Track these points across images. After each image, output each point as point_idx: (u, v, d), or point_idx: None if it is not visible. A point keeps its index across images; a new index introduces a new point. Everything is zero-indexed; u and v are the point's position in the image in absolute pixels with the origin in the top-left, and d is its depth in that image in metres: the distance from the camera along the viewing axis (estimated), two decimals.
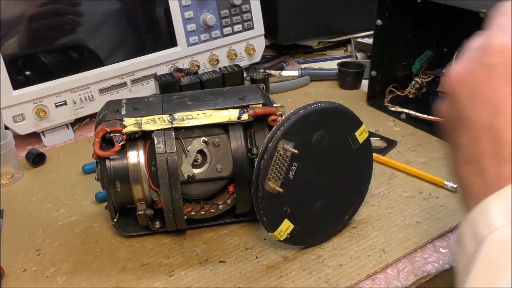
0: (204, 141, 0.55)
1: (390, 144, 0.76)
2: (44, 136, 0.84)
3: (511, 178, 0.30)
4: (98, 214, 0.65)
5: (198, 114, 0.55)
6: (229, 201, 0.58)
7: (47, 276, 0.56)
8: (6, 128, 0.80)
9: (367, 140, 0.58)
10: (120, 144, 0.54)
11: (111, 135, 0.54)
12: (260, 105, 0.57)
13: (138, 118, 0.55)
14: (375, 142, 0.76)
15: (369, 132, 0.59)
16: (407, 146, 0.76)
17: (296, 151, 0.51)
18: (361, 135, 0.57)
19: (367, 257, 0.55)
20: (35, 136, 0.85)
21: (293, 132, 0.51)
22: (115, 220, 0.58)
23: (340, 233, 0.59)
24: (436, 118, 0.78)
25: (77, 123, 0.89)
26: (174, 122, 0.55)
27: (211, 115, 0.55)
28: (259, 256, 0.56)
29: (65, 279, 0.55)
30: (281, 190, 0.51)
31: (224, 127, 0.57)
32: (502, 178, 0.31)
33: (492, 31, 0.32)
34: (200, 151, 0.56)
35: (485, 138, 0.31)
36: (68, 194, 0.70)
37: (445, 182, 0.65)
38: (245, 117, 0.56)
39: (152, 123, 0.55)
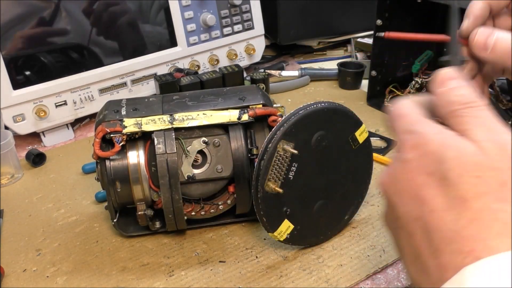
0: (204, 142, 0.55)
1: (390, 144, 0.76)
2: (44, 136, 0.84)
3: (453, 266, 0.28)
4: (98, 214, 0.65)
5: (198, 115, 0.55)
6: (229, 201, 0.58)
7: (47, 276, 0.56)
8: (6, 128, 0.80)
9: (367, 140, 0.58)
10: (120, 144, 0.54)
11: (111, 135, 0.54)
12: (260, 106, 0.57)
13: (138, 119, 0.55)
14: (375, 142, 0.76)
15: (369, 132, 0.59)
16: None
17: (296, 151, 0.51)
18: (361, 135, 0.57)
19: (367, 257, 0.55)
20: (35, 136, 0.85)
21: (293, 133, 0.51)
22: (115, 220, 0.58)
23: (340, 233, 0.59)
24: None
25: (77, 123, 0.89)
26: (174, 123, 0.55)
27: (211, 115, 0.55)
28: (259, 256, 0.56)
29: (65, 279, 0.55)
30: (281, 190, 0.51)
31: (224, 127, 0.57)
32: (443, 269, 0.29)
33: (403, 133, 0.32)
34: (200, 152, 0.56)
35: (417, 232, 0.31)
36: (68, 194, 0.70)
37: None
38: (245, 117, 0.56)
39: (152, 123, 0.55)
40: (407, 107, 0.34)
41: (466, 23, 0.45)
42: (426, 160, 0.31)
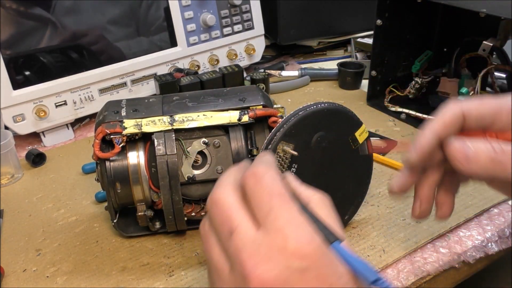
0: (204, 142, 0.55)
1: (390, 144, 0.76)
2: (44, 136, 0.84)
3: None
4: (98, 214, 0.65)
5: (198, 116, 0.55)
6: None
7: (47, 276, 0.56)
8: (6, 128, 0.80)
9: (367, 140, 0.58)
10: (120, 145, 0.54)
11: (111, 136, 0.54)
12: (261, 107, 0.57)
13: (138, 120, 0.55)
14: (375, 142, 0.76)
15: (369, 132, 0.59)
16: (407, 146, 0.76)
17: (295, 153, 0.51)
18: (361, 135, 0.57)
19: (367, 257, 0.55)
20: (35, 136, 0.85)
21: (292, 134, 0.51)
22: (115, 221, 0.58)
23: None
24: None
25: (77, 123, 0.89)
26: (174, 124, 0.55)
27: (211, 116, 0.55)
28: None
29: (65, 279, 0.55)
30: None
31: (224, 128, 0.57)
32: None
33: (284, 235, 0.32)
34: (200, 152, 0.56)
35: None
36: (68, 194, 0.70)
37: None
38: (245, 118, 0.56)
39: (152, 124, 0.55)
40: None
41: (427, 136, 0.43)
42: (323, 273, 0.31)
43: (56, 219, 0.65)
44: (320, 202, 0.36)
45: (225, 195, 0.35)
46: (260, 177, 0.35)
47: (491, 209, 0.63)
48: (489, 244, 0.58)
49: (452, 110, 0.42)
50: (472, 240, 0.58)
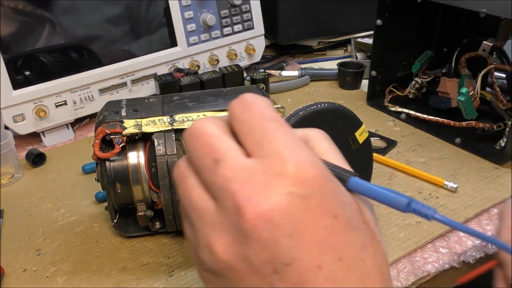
0: None
1: (390, 144, 0.76)
2: (44, 136, 0.84)
3: None
4: (98, 214, 0.65)
5: (198, 116, 0.55)
6: None
7: (47, 276, 0.56)
8: (6, 128, 0.80)
9: (367, 140, 0.58)
10: (120, 145, 0.54)
11: (111, 136, 0.54)
12: None
13: (138, 120, 0.55)
14: (375, 142, 0.76)
15: (369, 132, 0.59)
16: (407, 146, 0.76)
17: None
18: (361, 135, 0.57)
19: None
20: (35, 136, 0.85)
21: None
22: (115, 221, 0.58)
23: None
24: (436, 118, 0.78)
25: (77, 123, 0.89)
26: (174, 124, 0.55)
27: None
28: None
29: (65, 279, 0.55)
30: None
31: None
32: None
33: (289, 159, 0.27)
34: None
35: (318, 280, 0.26)
36: (68, 194, 0.70)
37: (445, 182, 0.65)
38: None
39: (152, 124, 0.55)
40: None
41: None
42: (329, 201, 0.27)
43: (56, 219, 0.65)
44: (320, 136, 0.33)
45: (206, 124, 0.29)
46: (250, 103, 0.30)
47: (491, 209, 0.63)
48: (489, 244, 0.58)
49: None
50: (472, 240, 0.58)
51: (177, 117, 0.55)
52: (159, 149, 0.54)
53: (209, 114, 0.56)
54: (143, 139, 0.56)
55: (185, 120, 0.55)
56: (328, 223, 0.27)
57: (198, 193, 0.28)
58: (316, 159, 0.28)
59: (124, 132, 0.54)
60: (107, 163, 0.55)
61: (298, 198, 0.26)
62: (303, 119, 0.52)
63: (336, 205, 0.27)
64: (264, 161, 0.27)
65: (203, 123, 0.29)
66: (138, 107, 0.56)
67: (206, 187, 0.28)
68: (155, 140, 0.54)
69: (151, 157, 0.55)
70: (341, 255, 0.27)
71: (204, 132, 0.29)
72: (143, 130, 0.54)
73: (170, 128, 0.55)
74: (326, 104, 0.54)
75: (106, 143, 0.55)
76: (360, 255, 0.27)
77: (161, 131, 0.54)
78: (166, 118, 0.55)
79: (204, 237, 0.27)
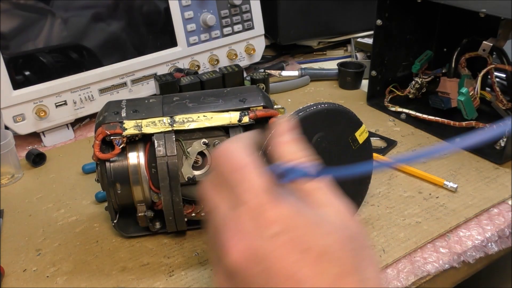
0: (204, 143, 0.55)
1: (390, 144, 0.76)
2: (44, 136, 0.84)
3: None
4: (98, 214, 0.65)
5: (198, 117, 0.55)
6: None
7: (47, 276, 0.56)
8: (6, 128, 0.80)
9: (367, 140, 0.58)
10: (120, 146, 0.54)
11: (111, 137, 0.54)
12: (261, 108, 0.57)
13: (138, 121, 0.55)
14: (375, 142, 0.76)
15: (369, 132, 0.59)
16: (407, 146, 0.76)
17: None
18: (361, 136, 0.57)
19: None
20: (35, 136, 0.85)
21: None
22: (115, 221, 0.58)
23: None
24: (436, 118, 0.78)
25: (77, 123, 0.89)
26: (174, 125, 0.55)
27: (211, 117, 0.55)
28: None
29: (65, 279, 0.55)
30: None
31: (225, 129, 0.57)
32: None
33: (262, 202, 0.30)
34: (201, 153, 0.56)
35: None
36: (68, 194, 0.70)
37: (445, 182, 0.66)
38: (245, 120, 0.56)
39: (153, 125, 0.55)
40: (251, 157, 0.33)
41: None
42: (299, 233, 0.29)
43: (56, 219, 0.65)
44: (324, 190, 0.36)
45: (204, 185, 0.35)
46: (223, 154, 0.34)
47: (491, 209, 0.63)
48: (489, 244, 0.58)
49: None
50: (472, 240, 0.58)
51: (177, 118, 0.55)
52: (159, 150, 0.54)
53: (209, 114, 0.56)
54: (143, 140, 0.56)
55: (185, 121, 0.55)
56: (296, 257, 0.29)
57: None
58: (280, 197, 0.31)
59: (124, 133, 0.54)
60: (107, 164, 0.55)
61: (265, 239, 0.29)
62: (303, 120, 0.52)
63: (307, 238, 0.29)
64: (238, 210, 0.31)
65: (206, 183, 0.35)
66: (138, 108, 0.56)
67: None
68: (155, 141, 0.54)
69: (151, 158, 0.55)
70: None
71: (203, 189, 0.35)
72: (143, 131, 0.54)
73: (170, 129, 0.55)
74: (326, 105, 0.54)
75: (106, 143, 0.55)
76: (336, 284, 0.28)
77: (161, 132, 0.54)
78: (166, 119, 0.55)
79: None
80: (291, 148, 0.36)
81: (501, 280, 0.78)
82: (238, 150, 0.34)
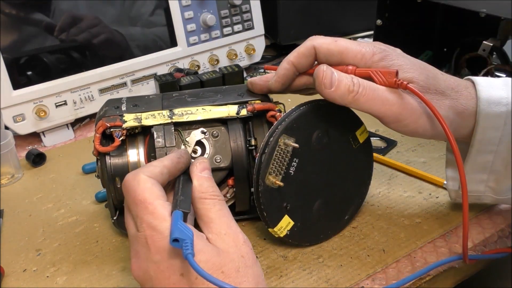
0: (202, 132, 0.55)
1: (390, 144, 0.76)
2: (44, 136, 0.84)
3: None
4: (98, 214, 0.65)
5: (197, 110, 0.56)
6: (228, 195, 0.58)
7: (47, 276, 0.56)
8: (6, 128, 0.80)
9: (368, 140, 0.58)
10: (120, 139, 0.54)
11: (111, 130, 0.54)
12: (259, 101, 0.57)
13: (138, 114, 0.55)
14: (375, 142, 0.76)
15: (369, 132, 0.59)
16: (407, 146, 0.76)
17: (297, 145, 0.51)
18: (361, 135, 0.57)
19: (367, 257, 0.55)
20: (35, 136, 0.85)
21: (294, 128, 0.52)
22: (115, 218, 0.58)
23: (340, 233, 0.59)
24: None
25: (77, 123, 0.89)
26: (173, 117, 0.55)
27: (210, 110, 0.56)
28: (259, 256, 0.56)
29: (65, 279, 0.55)
30: (281, 184, 0.52)
31: (223, 122, 0.57)
32: None
33: (152, 234, 0.41)
34: (199, 143, 0.56)
35: None
36: (68, 194, 0.70)
37: (445, 182, 0.65)
38: (243, 112, 0.56)
39: (152, 118, 0.55)
40: (149, 192, 0.43)
41: (274, 79, 0.54)
42: (176, 262, 0.40)
43: (56, 219, 0.65)
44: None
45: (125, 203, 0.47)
46: (127, 186, 0.44)
47: (491, 209, 0.63)
48: (489, 244, 0.58)
49: (306, 44, 0.52)
50: (472, 240, 0.58)
51: (176, 111, 0.56)
52: (159, 141, 0.54)
53: (207, 107, 0.56)
54: (143, 133, 0.56)
55: (184, 113, 0.55)
56: (175, 279, 0.40)
57: None
58: (166, 229, 0.40)
59: (124, 125, 0.54)
60: (107, 159, 0.55)
61: (154, 263, 0.41)
62: (304, 114, 0.52)
63: (182, 265, 0.40)
64: (138, 235, 0.42)
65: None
66: (138, 103, 0.57)
67: None
68: (155, 133, 0.54)
69: (151, 150, 0.55)
70: None
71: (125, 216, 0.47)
72: (143, 123, 0.55)
73: (169, 121, 0.55)
74: (327, 101, 0.54)
75: (107, 138, 0.56)
76: None
77: (160, 124, 0.55)
78: (165, 112, 0.55)
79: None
80: (208, 183, 0.46)
81: (501, 280, 0.78)
82: (140, 183, 0.43)
